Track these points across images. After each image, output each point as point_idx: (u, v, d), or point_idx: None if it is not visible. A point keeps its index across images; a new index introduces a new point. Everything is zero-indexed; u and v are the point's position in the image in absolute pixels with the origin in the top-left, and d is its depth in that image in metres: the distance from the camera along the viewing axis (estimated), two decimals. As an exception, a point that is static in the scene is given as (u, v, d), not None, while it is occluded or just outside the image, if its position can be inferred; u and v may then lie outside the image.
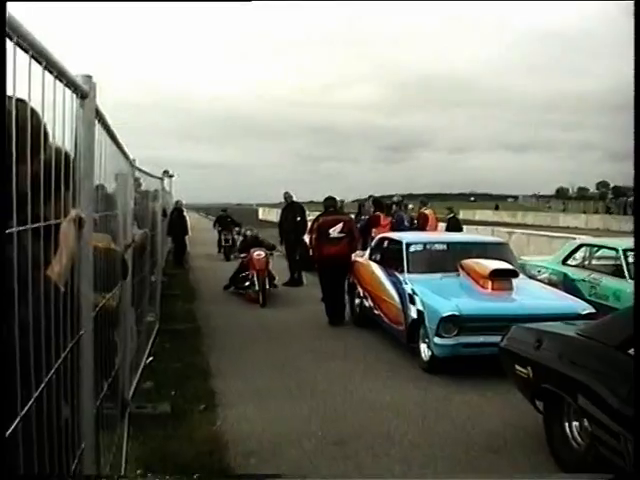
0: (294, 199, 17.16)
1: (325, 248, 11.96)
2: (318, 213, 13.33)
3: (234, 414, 6.88)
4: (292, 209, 16.76)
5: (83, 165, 2.48)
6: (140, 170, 8.71)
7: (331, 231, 11.99)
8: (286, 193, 17.09)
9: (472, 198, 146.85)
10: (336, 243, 11.92)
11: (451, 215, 19.55)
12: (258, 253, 14.29)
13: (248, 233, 16.03)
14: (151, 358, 8.63)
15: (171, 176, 26.17)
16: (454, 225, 18.58)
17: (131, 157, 6.83)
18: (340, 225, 12.06)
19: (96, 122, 2.76)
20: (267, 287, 13.87)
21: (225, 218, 24.49)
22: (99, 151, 2.98)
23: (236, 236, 21.49)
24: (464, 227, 20.85)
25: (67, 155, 2.30)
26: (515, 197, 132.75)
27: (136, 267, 7.15)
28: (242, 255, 14.97)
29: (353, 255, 12.32)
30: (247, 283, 14.36)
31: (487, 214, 72.44)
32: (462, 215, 44.95)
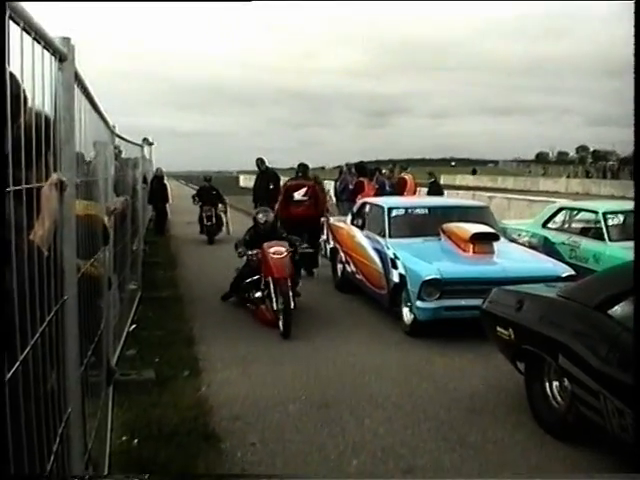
0: (267, 165, 16.94)
1: (290, 209, 13.09)
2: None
3: (218, 379, 6.92)
4: (266, 176, 16.56)
5: (63, 129, 2.46)
6: (120, 137, 8.64)
7: (295, 194, 13.30)
8: (259, 159, 16.76)
9: (453, 163, 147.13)
10: (299, 205, 13.19)
11: (432, 180, 19.59)
12: (277, 250, 9.27)
13: (260, 217, 10.30)
14: (134, 326, 8.64)
15: (151, 144, 25.95)
16: (435, 190, 18.62)
17: (111, 124, 6.77)
18: (304, 189, 13.35)
19: (75, 86, 2.73)
20: (292, 305, 8.82)
21: (208, 190, 19.71)
22: (79, 116, 2.95)
23: (221, 214, 19.45)
24: (445, 192, 20.90)
25: (47, 119, 2.28)
26: (495, 162, 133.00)
27: (117, 234, 7.12)
28: (251, 252, 9.71)
29: (334, 220, 12.79)
30: (258, 294, 9.62)
31: (468, 179, 72.62)
32: (443, 180, 45.02)
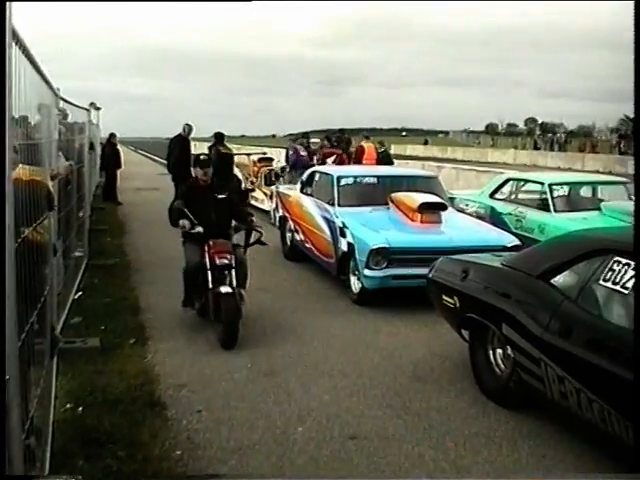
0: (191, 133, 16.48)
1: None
2: (249, 149, 13.70)
3: (165, 348, 6.89)
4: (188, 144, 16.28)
5: (-1, 90, 2.38)
6: (65, 101, 8.47)
7: (220, 148, 15.48)
8: (187, 125, 16.23)
9: (404, 133, 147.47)
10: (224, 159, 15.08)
11: (382, 149, 19.58)
12: (222, 257, 7.18)
13: (200, 172, 7.71)
14: (80, 293, 8.53)
15: (98, 108, 25.49)
16: (385, 159, 18.65)
17: (55, 87, 6.62)
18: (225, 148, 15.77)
19: (14, 45, 2.65)
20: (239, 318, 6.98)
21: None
22: (18, 77, 2.87)
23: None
24: (395, 161, 20.93)
25: None
26: (446, 132, 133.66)
27: (62, 200, 7.00)
28: (192, 229, 7.39)
29: (283, 188, 12.92)
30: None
31: (418, 149, 72.91)
32: (394, 150, 45.21)
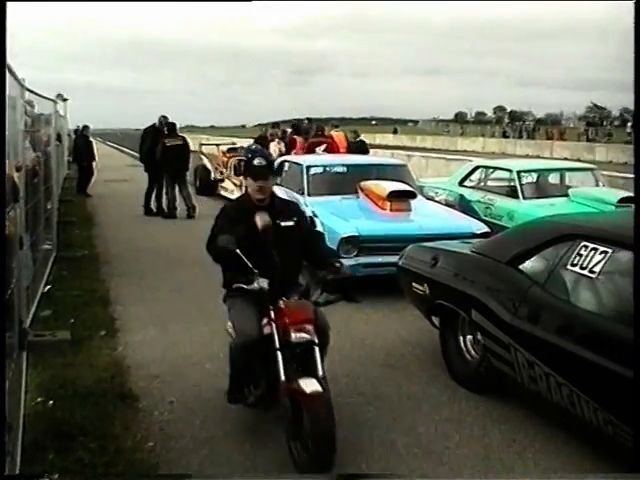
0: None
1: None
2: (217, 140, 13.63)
3: (135, 339, 6.85)
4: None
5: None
6: (31, 91, 8.36)
7: (166, 141, 14.80)
8: (163, 117, 15.78)
9: (373, 122, 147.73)
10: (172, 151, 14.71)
11: (358, 139, 19.41)
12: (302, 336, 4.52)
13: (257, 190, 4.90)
14: (49, 286, 8.46)
15: (65, 99, 25.25)
16: (360, 148, 18.55)
17: (20, 77, 6.54)
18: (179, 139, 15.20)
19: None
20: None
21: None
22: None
23: None
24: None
25: None
26: (415, 121, 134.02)
27: (29, 192, 6.93)
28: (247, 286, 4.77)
29: None
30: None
31: (387, 138, 73.01)
32: (363, 138, 45.06)
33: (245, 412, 5.16)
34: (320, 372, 4.39)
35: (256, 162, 4.77)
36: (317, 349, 4.47)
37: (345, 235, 8.26)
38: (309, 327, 4.48)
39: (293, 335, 4.41)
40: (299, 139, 16.32)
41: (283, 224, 4.87)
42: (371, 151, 19.70)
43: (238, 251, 4.54)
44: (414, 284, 6.37)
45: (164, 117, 15.63)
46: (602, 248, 4.51)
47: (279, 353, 4.41)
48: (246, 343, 4.59)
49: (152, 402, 5.36)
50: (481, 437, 4.83)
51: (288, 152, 15.75)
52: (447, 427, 4.99)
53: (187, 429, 4.92)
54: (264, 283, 4.58)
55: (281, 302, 4.61)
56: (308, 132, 17.27)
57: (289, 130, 18.84)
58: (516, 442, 4.76)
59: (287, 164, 11.29)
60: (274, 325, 4.51)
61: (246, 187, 4.92)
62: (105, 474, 4.23)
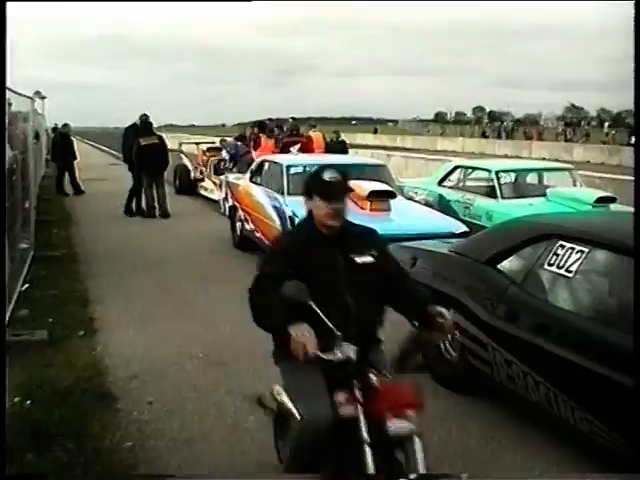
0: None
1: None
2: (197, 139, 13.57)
3: (114, 339, 6.82)
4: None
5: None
6: (7, 89, 8.29)
7: (141, 140, 14.61)
8: (144, 115, 15.62)
9: (354, 122, 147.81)
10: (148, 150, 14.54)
11: (340, 140, 19.40)
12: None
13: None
14: (27, 285, 8.40)
15: (43, 97, 25.08)
16: (341, 149, 18.56)
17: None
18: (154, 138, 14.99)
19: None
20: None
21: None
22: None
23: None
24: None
25: None
26: (395, 121, 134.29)
27: (6, 191, 6.88)
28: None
29: (232, 178, 12.89)
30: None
31: (368, 138, 73.12)
32: (344, 139, 45.06)
33: (225, 412, 5.17)
34: (421, 468, 3.23)
35: (327, 177, 3.54)
36: (418, 440, 3.32)
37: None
38: (411, 414, 3.37)
39: (391, 425, 3.29)
40: (264, 138, 16.30)
41: (359, 260, 3.60)
42: (351, 151, 19.72)
43: (312, 304, 3.29)
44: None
45: (145, 115, 15.46)
46: (579, 248, 4.55)
47: (366, 448, 3.19)
48: (317, 429, 3.35)
49: (131, 402, 5.35)
50: (460, 435, 4.86)
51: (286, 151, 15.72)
52: (426, 426, 5.01)
53: (166, 429, 4.91)
54: (351, 351, 3.32)
55: (372, 377, 3.43)
56: (273, 131, 17.25)
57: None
58: (495, 440, 4.79)
59: (267, 164, 11.29)
60: (361, 408, 3.29)
61: (309, 210, 3.64)
62: (100, 474, 4.22)
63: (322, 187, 3.55)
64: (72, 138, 21.00)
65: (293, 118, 20.98)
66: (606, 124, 73.37)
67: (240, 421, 5.02)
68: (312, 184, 3.66)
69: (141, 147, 14.62)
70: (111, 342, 6.73)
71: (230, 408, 5.25)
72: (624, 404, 3.78)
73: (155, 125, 16.38)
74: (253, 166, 12.04)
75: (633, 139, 43.49)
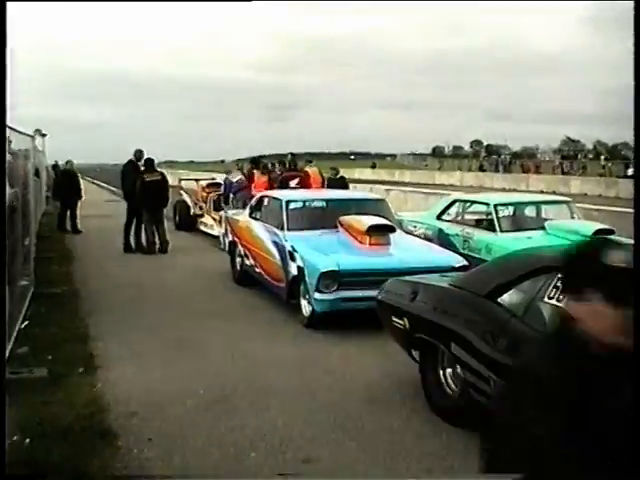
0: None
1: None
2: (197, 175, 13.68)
3: (114, 376, 6.79)
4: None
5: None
6: (8, 127, 8.35)
7: (145, 176, 14.83)
8: (138, 151, 15.72)
9: (352, 157, 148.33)
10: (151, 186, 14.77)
11: (340, 176, 19.38)
12: None
13: None
14: (26, 322, 8.39)
15: (43, 135, 25.25)
16: (341, 185, 18.61)
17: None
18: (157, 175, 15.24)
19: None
20: None
21: None
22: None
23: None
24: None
25: None
26: (393, 156, 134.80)
27: (7, 228, 6.90)
28: None
29: (232, 213, 13.02)
30: None
31: (366, 172, 73.36)
32: (342, 174, 45.18)
33: (226, 450, 5.15)
34: None
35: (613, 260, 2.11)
36: None
37: (325, 270, 8.28)
38: None
39: None
40: (257, 173, 16.48)
41: None
42: (350, 186, 19.77)
43: None
44: (394, 318, 6.38)
45: (139, 151, 15.57)
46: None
47: None
48: None
49: (131, 440, 5.31)
50: (462, 470, 4.83)
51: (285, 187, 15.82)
52: (429, 461, 4.99)
53: (166, 467, 4.88)
54: None
55: None
56: (267, 167, 17.51)
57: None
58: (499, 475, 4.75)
59: (266, 199, 11.33)
60: None
61: (567, 317, 2.16)
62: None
63: (608, 280, 2.09)
64: (78, 175, 20.82)
65: (292, 154, 21.10)
66: (602, 157, 73.63)
67: (242, 458, 5.00)
68: (586, 272, 2.14)
69: (145, 183, 14.74)
70: (111, 379, 6.71)
71: (231, 445, 5.23)
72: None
73: (157, 162, 16.49)
74: (252, 201, 12.09)
75: (630, 171, 43.55)
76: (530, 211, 12.16)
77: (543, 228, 10.69)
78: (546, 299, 4.77)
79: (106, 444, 5.20)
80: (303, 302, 8.80)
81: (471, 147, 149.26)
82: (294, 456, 5.04)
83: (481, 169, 71.31)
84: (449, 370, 5.82)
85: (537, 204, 12.38)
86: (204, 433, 5.46)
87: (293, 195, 11.15)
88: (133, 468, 4.83)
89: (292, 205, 10.25)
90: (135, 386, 6.52)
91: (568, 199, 13.04)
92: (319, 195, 11.65)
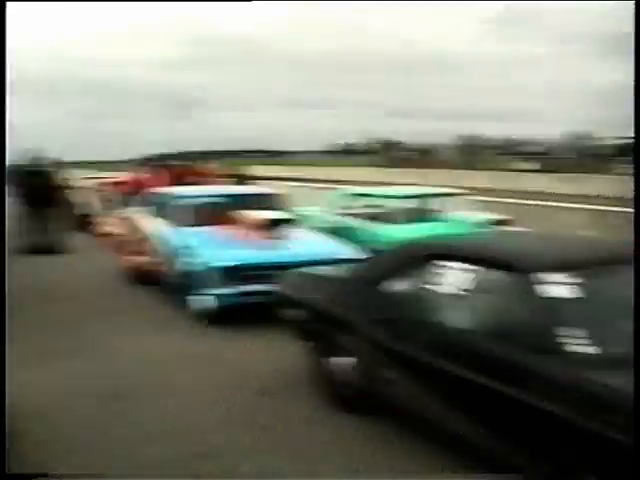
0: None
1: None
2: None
3: (12, 377, 6.60)
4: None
5: None
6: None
7: (31, 176, 14.61)
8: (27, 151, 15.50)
9: (251, 154, 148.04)
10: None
11: (240, 173, 19.44)
12: None
13: None
14: None
15: None
16: (241, 182, 18.65)
17: None
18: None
19: None
20: None
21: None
22: None
23: None
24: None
25: None
26: (293, 153, 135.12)
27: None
28: None
29: (126, 212, 12.73)
30: None
31: (265, 169, 73.13)
32: (243, 172, 44.94)
33: (123, 448, 5.10)
34: None
35: None
36: None
37: (220, 265, 8.28)
38: None
39: None
40: (156, 171, 16.62)
41: None
42: (252, 182, 19.84)
43: None
44: (289, 310, 6.45)
45: (31, 151, 15.34)
46: (463, 266, 4.75)
47: None
48: None
49: (23, 443, 5.18)
50: (361, 455, 4.92)
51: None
52: (327, 448, 5.06)
53: (65, 467, 4.80)
54: None
55: None
56: (159, 166, 17.52)
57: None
58: (398, 459, 4.86)
59: (159, 196, 11.21)
60: None
61: None
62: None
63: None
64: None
65: (195, 152, 21.09)
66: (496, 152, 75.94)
67: (139, 454, 4.97)
68: None
69: (31, 182, 14.34)
70: (9, 380, 6.52)
71: (128, 442, 5.18)
72: (517, 416, 3.95)
73: (48, 161, 16.08)
74: (149, 199, 11.91)
75: (526, 165, 45.83)
76: (425, 203, 12.45)
77: (435, 219, 10.99)
78: (434, 285, 4.93)
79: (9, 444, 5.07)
80: (199, 298, 8.72)
81: (369, 143, 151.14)
82: (191, 450, 5.03)
83: (378, 165, 72.21)
84: (344, 360, 5.88)
85: (429, 196, 12.69)
86: (99, 431, 5.39)
87: (186, 191, 11.08)
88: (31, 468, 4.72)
89: (184, 201, 10.20)
90: (33, 387, 6.32)
91: (462, 191, 13.42)
92: (215, 191, 11.62)
